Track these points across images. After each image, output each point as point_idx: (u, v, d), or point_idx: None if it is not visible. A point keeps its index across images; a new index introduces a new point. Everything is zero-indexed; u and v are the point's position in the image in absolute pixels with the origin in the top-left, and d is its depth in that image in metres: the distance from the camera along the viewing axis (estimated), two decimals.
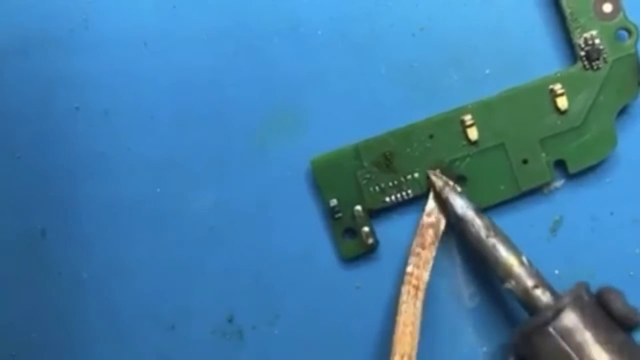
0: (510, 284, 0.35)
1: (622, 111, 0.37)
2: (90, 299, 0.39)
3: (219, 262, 0.39)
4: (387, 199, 0.37)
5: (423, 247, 0.36)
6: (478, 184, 0.37)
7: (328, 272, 0.38)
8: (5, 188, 0.39)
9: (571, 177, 0.38)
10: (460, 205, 0.36)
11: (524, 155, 0.37)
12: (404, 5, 0.38)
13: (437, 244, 0.37)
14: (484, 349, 0.38)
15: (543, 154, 0.37)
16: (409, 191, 0.37)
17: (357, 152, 0.37)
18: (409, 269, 0.36)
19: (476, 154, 0.37)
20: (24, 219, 0.39)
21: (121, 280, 0.39)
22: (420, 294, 0.36)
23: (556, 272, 0.38)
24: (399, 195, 0.37)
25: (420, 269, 0.36)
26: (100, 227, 0.39)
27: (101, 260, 0.39)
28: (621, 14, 0.37)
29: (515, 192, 0.37)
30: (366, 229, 0.38)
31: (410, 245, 0.37)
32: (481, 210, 0.36)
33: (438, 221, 0.37)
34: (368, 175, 0.37)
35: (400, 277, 0.36)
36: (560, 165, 0.37)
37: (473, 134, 0.37)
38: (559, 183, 0.38)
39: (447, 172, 0.37)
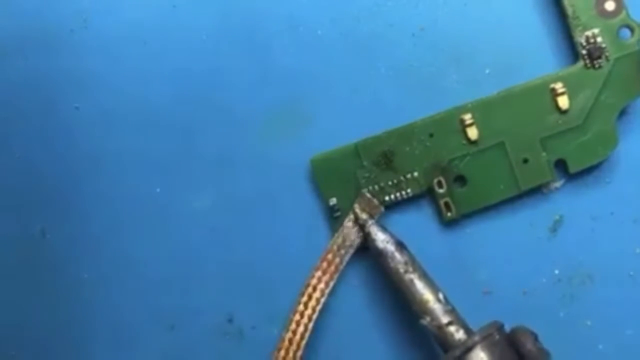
0: (425, 320, 0.35)
1: (623, 111, 0.37)
2: (90, 298, 0.39)
3: (219, 262, 0.39)
4: (387, 198, 0.37)
5: (329, 265, 0.37)
6: (478, 183, 0.37)
7: None
8: (5, 188, 0.39)
9: (571, 177, 0.37)
10: (382, 239, 0.36)
11: (524, 154, 0.37)
12: (404, 5, 0.38)
13: (344, 265, 0.37)
14: None
15: (543, 154, 0.37)
16: (409, 190, 0.37)
17: (357, 151, 0.37)
18: (313, 281, 0.37)
19: (476, 153, 0.37)
20: (24, 219, 0.39)
21: (121, 280, 0.39)
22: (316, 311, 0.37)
23: (556, 272, 0.38)
24: (398, 195, 0.37)
25: (323, 285, 0.37)
26: (100, 227, 0.39)
27: (101, 260, 0.39)
28: (624, 12, 0.36)
29: (515, 191, 0.37)
30: None
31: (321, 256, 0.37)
32: (403, 245, 0.36)
33: (350, 246, 0.37)
34: (367, 175, 0.37)
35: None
36: (561, 164, 0.37)
37: (473, 133, 0.37)
38: (559, 183, 0.38)
39: (446, 171, 0.37)
